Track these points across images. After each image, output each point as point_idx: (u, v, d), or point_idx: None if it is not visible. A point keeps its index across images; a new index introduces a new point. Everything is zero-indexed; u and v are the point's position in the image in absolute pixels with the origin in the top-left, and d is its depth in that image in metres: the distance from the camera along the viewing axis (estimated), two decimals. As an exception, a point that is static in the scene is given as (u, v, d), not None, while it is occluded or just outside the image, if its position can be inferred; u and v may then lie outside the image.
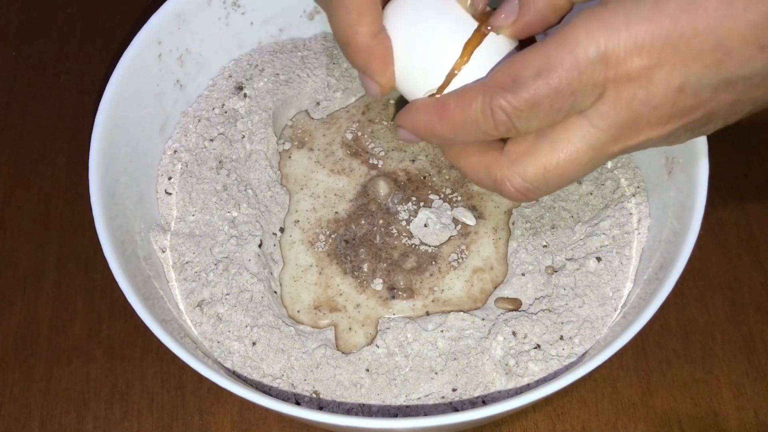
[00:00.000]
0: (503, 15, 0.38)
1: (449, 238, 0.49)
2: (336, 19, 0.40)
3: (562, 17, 0.37)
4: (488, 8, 0.39)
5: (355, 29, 0.39)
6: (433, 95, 0.39)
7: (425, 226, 0.49)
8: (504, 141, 0.38)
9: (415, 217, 0.49)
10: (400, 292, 0.47)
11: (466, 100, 0.36)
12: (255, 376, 0.45)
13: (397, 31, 0.40)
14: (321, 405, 0.45)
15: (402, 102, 0.48)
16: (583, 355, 0.44)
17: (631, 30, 0.31)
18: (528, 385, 0.44)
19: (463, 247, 0.49)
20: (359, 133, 0.53)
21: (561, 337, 0.45)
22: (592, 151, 0.35)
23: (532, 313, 0.46)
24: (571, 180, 0.36)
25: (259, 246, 0.48)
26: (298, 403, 0.44)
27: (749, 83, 0.32)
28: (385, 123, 0.53)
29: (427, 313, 0.47)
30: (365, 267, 0.48)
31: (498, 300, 0.47)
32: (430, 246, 0.49)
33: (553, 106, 0.33)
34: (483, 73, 0.38)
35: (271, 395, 0.43)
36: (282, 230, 0.50)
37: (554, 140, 0.35)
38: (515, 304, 0.47)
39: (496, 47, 0.39)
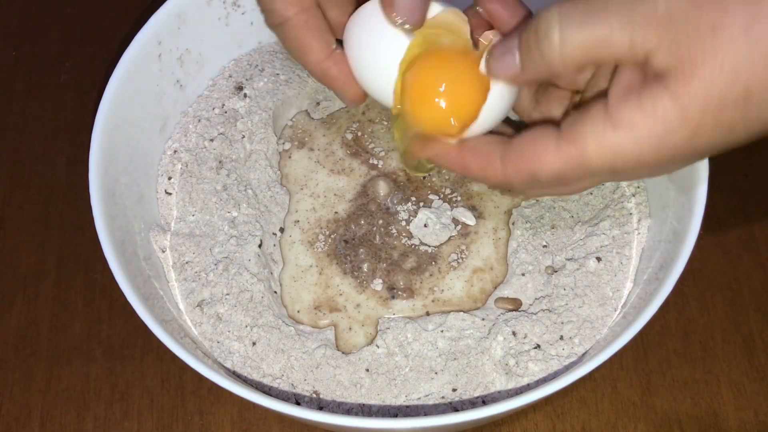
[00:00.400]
0: (501, 64, 0.38)
1: (449, 238, 0.49)
2: (288, 51, 0.45)
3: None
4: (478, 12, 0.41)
5: (305, 59, 0.44)
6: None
7: (425, 226, 0.49)
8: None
9: (415, 217, 0.49)
10: (400, 292, 0.47)
11: (487, 166, 0.38)
12: (255, 376, 0.45)
13: (351, 47, 0.42)
14: (321, 405, 0.45)
15: None
16: (583, 355, 0.44)
17: (641, 159, 0.33)
18: (528, 385, 0.44)
19: (463, 247, 0.49)
20: (359, 133, 0.53)
21: (561, 337, 0.45)
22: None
23: (532, 313, 0.46)
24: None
25: (259, 246, 0.48)
26: (298, 403, 0.44)
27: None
28: (385, 123, 0.53)
29: (428, 313, 0.47)
30: (365, 267, 0.48)
31: (498, 300, 0.47)
32: (429, 246, 0.49)
33: (565, 193, 0.41)
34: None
35: (271, 395, 0.43)
36: (282, 230, 0.50)
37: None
38: (515, 304, 0.47)
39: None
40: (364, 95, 0.44)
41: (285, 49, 0.43)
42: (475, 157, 0.39)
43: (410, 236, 0.49)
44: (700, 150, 0.33)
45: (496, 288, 0.48)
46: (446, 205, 0.49)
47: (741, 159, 0.58)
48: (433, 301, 0.47)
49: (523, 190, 0.39)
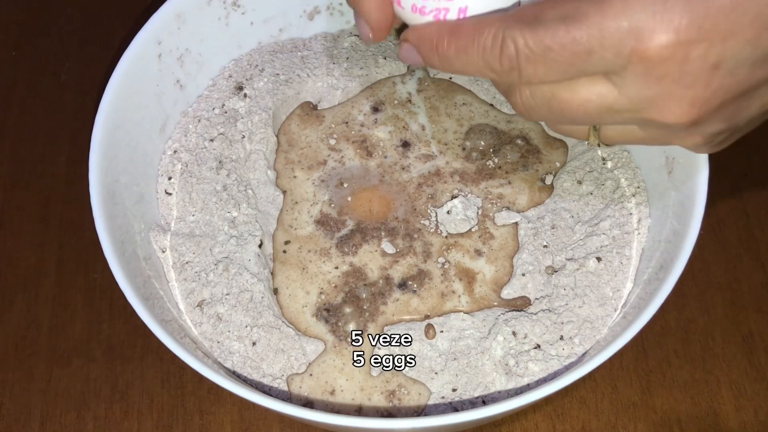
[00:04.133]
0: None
1: (469, 231, 0.49)
2: None
3: None
4: None
5: None
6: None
7: (448, 213, 0.49)
8: None
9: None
10: (406, 289, 0.47)
11: (483, 24, 0.33)
12: (255, 376, 0.45)
13: None
14: (321, 405, 0.45)
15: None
16: (583, 355, 0.44)
17: (668, 6, 0.29)
18: (528, 385, 0.44)
19: (480, 244, 0.49)
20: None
21: (561, 337, 0.45)
22: (607, 113, 0.33)
23: (532, 313, 0.46)
24: (572, 120, 0.35)
25: (259, 246, 0.48)
26: (297, 403, 0.44)
27: None
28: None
29: (427, 316, 0.47)
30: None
31: (499, 300, 0.47)
32: (447, 233, 0.49)
33: (565, 59, 0.31)
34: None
35: (271, 395, 0.43)
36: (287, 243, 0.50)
37: (573, 86, 0.33)
38: (518, 304, 0.47)
39: None
40: (387, 28, 0.38)
41: None
42: (475, 20, 0.34)
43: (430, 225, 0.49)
44: (742, 6, 0.29)
45: (497, 288, 0.48)
46: (478, 200, 0.50)
47: (741, 159, 0.58)
48: (434, 301, 0.47)
49: (517, 39, 0.32)
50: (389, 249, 0.48)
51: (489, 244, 0.49)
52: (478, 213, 0.50)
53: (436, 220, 0.49)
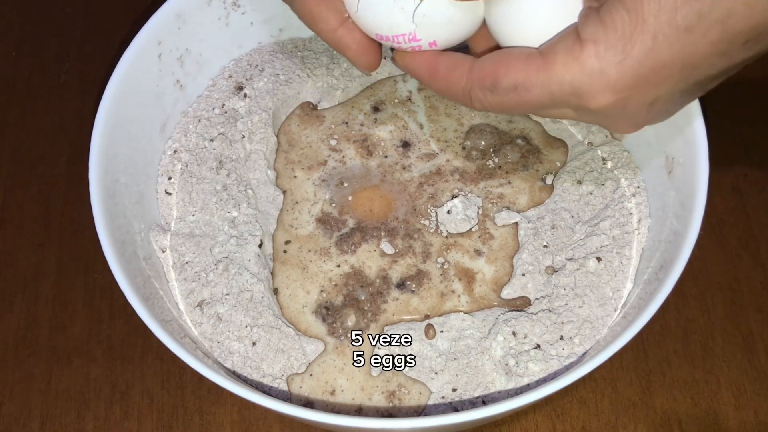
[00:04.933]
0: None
1: (469, 231, 0.49)
2: (301, 19, 0.43)
3: None
4: None
5: (318, 27, 0.42)
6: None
7: (448, 212, 0.49)
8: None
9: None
10: (405, 289, 0.47)
11: (453, 77, 0.39)
12: (255, 376, 0.45)
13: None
14: (321, 405, 0.45)
15: None
16: (583, 355, 0.44)
17: (603, 75, 0.34)
18: (528, 385, 0.44)
19: (480, 244, 0.49)
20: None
21: (561, 337, 0.45)
22: (562, 117, 0.38)
23: (532, 313, 0.46)
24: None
25: (259, 246, 0.48)
26: (297, 403, 0.44)
27: (714, 77, 0.35)
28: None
29: (427, 316, 0.47)
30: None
31: (499, 300, 0.47)
32: (447, 233, 0.49)
33: (523, 110, 0.38)
34: None
35: (271, 395, 0.43)
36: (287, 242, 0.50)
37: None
38: (518, 304, 0.47)
39: None
40: (378, 62, 0.44)
41: (299, 18, 0.43)
42: (446, 60, 0.39)
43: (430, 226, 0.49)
44: (668, 64, 0.33)
45: (497, 288, 0.48)
46: (478, 199, 0.50)
47: (741, 159, 0.58)
48: (434, 301, 0.47)
49: (481, 99, 0.38)
50: (388, 249, 0.48)
51: (489, 244, 0.49)
52: (478, 213, 0.50)
53: (437, 220, 0.49)
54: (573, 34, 0.34)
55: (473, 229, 0.49)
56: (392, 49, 0.42)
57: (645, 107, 0.35)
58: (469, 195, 0.50)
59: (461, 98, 0.39)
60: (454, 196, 0.50)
